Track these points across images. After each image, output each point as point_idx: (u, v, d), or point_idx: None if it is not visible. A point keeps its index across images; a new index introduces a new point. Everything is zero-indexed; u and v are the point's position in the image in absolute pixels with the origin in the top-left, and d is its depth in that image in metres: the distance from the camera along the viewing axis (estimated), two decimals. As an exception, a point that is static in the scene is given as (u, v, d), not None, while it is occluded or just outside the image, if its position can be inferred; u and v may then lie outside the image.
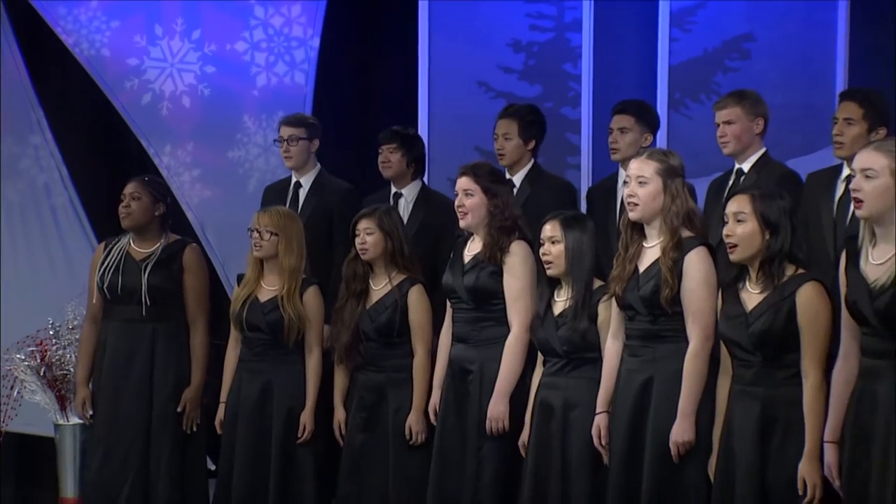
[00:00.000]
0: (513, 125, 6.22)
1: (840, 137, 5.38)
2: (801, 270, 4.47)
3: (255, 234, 5.76)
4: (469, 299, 5.37)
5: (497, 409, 5.23)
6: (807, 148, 6.53)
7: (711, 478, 4.59)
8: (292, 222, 5.82)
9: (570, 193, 6.35)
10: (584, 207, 6.61)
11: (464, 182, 5.38)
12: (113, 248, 6.00)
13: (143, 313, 5.87)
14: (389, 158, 6.34)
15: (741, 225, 4.47)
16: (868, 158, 4.04)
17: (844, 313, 4.14)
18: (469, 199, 5.36)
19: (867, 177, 4.02)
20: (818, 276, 4.50)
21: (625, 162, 5.94)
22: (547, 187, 6.21)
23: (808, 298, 4.38)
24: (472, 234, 5.44)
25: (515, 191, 6.10)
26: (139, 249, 5.96)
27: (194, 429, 5.90)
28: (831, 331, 4.37)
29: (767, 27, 6.99)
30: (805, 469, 4.32)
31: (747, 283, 4.51)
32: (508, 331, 5.31)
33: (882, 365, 4.00)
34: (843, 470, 4.11)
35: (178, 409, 5.85)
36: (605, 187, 6.27)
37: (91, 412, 5.97)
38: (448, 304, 5.53)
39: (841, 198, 5.24)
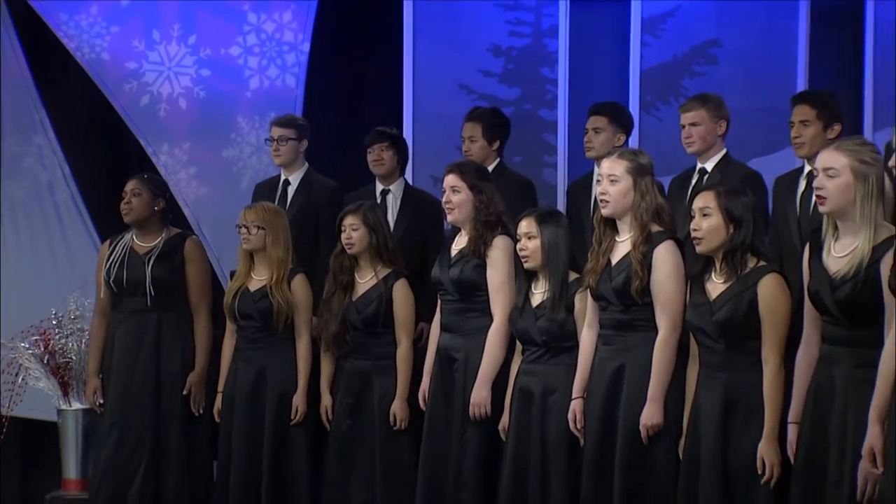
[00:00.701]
0: (477, 128, 6.27)
1: (799, 139, 5.43)
2: (762, 262, 4.50)
3: (244, 230, 5.80)
4: (454, 291, 5.38)
5: (479, 396, 5.24)
6: (769, 148, 6.56)
7: (681, 458, 4.62)
8: (277, 216, 5.85)
9: (530, 189, 6.39)
10: (562, 203, 6.65)
11: (451, 179, 5.39)
12: (117, 244, 6.02)
13: (149, 304, 5.90)
14: (383, 157, 6.34)
15: (707, 219, 4.50)
16: (829, 158, 4.07)
17: (807, 302, 4.18)
18: (456, 196, 5.36)
19: (829, 175, 4.04)
20: (778, 268, 4.54)
21: (599, 160, 5.97)
22: (509, 183, 6.18)
23: (768, 289, 4.42)
24: (459, 230, 5.45)
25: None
26: (142, 244, 5.97)
27: (200, 411, 5.91)
28: (790, 319, 4.41)
29: (733, 34, 7.03)
30: (764, 449, 4.36)
31: (713, 274, 4.55)
32: (492, 321, 5.32)
33: (840, 351, 4.04)
34: (802, 448, 4.14)
35: (185, 393, 5.87)
36: (582, 185, 6.31)
37: (101, 401, 5.98)
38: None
39: (803, 193, 5.28)
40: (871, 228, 3.98)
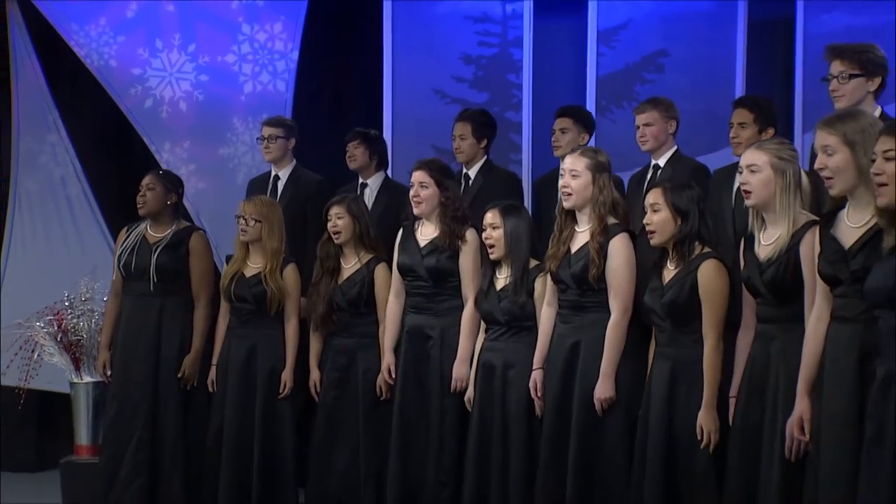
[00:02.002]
0: (467, 127, 6.24)
1: (737, 139, 5.46)
2: (706, 249, 4.54)
3: (242, 221, 5.79)
4: (428, 277, 5.40)
5: (461, 372, 5.27)
6: (711, 147, 6.52)
7: (639, 423, 4.63)
8: (273, 210, 5.85)
9: (516, 183, 6.42)
10: (527, 196, 6.66)
11: (419, 175, 5.41)
12: (133, 231, 6.01)
13: (152, 289, 5.87)
14: (354, 153, 6.39)
15: (657, 214, 4.54)
16: (752, 156, 4.15)
17: (744, 288, 4.23)
18: (423, 191, 5.39)
19: (752, 171, 4.12)
20: (718, 254, 4.58)
21: (564, 158, 6.01)
22: (497, 178, 6.24)
23: (706, 273, 4.46)
24: (420, 220, 5.48)
25: (471, 182, 6.14)
26: (153, 234, 5.95)
27: (188, 388, 5.88)
28: (728, 300, 4.44)
29: (678, 45, 7.00)
30: (703, 418, 4.40)
31: (667, 262, 4.58)
32: (461, 302, 5.34)
33: (772, 329, 4.11)
34: (739, 416, 4.19)
35: (179, 375, 5.84)
36: (550, 179, 6.30)
37: (109, 372, 5.99)
38: (398, 277, 5.54)
39: (738, 189, 5.32)
40: (791, 216, 4.06)
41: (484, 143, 6.28)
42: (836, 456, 3.65)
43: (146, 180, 5.96)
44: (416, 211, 5.44)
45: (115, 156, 7.49)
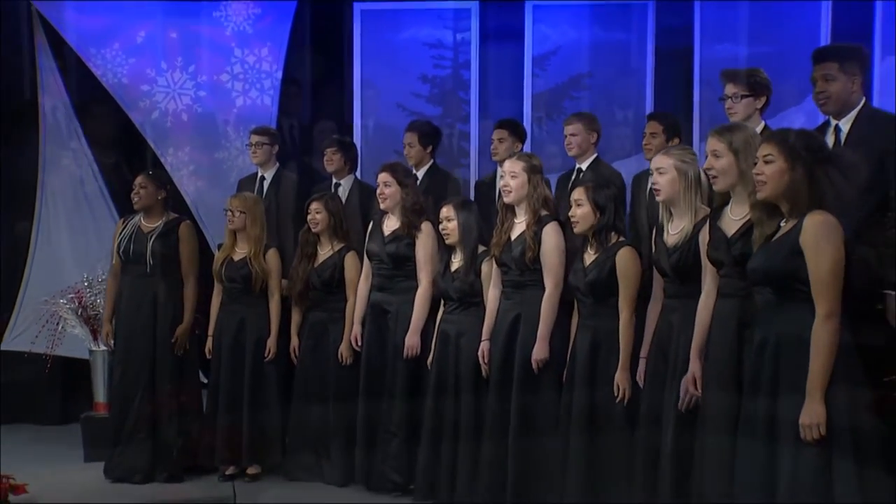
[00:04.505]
0: (414, 136, 6.28)
1: (648, 146, 5.58)
2: (621, 238, 4.64)
3: (229, 213, 5.83)
4: (389, 261, 5.48)
5: (412, 341, 5.35)
6: (628, 152, 6.62)
7: (564, 382, 4.71)
8: (255, 203, 5.88)
9: (456, 183, 6.45)
10: (473, 195, 6.71)
11: (384, 176, 5.48)
12: (129, 223, 5.98)
13: (148, 271, 5.84)
14: (332, 158, 6.38)
15: (580, 208, 4.64)
16: (659, 160, 4.25)
17: (654, 268, 4.33)
18: (388, 189, 5.45)
19: (660, 173, 4.22)
20: (631, 242, 4.67)
21: (502, 163, 6.06)
22: (441, 180, 6.29)
23: (623, 258, 4.56)
24: (386, 213, 5.53)
25: (419, 181, 6.18)
26: (147, 224, 5.91)
27: (181, 352, 5.83)
28: (640, 281, 4.53)
29: (600, 68, 7.04)
30: (619, 377, 4.51)
31: (588, 248, 4.67)
32: (416, 283, 5.40)
33: (675, 303, 4.21)
34: (649, 376, 4.30)
35: (172, 341, 5.81)
36: (489, 181, 6.36)
37: (113, 342, 5.98)
38: (367, 261, 5.61)
39: (649, 190, 5.40)
40: (692, 210, 4.16)
41: (429, 148, 6.29)
42: (718, 408, 3.75)
43: (139, 180, 5.93)
44: (381, 206, 5.50)
45: (126, 159, 7.46)
